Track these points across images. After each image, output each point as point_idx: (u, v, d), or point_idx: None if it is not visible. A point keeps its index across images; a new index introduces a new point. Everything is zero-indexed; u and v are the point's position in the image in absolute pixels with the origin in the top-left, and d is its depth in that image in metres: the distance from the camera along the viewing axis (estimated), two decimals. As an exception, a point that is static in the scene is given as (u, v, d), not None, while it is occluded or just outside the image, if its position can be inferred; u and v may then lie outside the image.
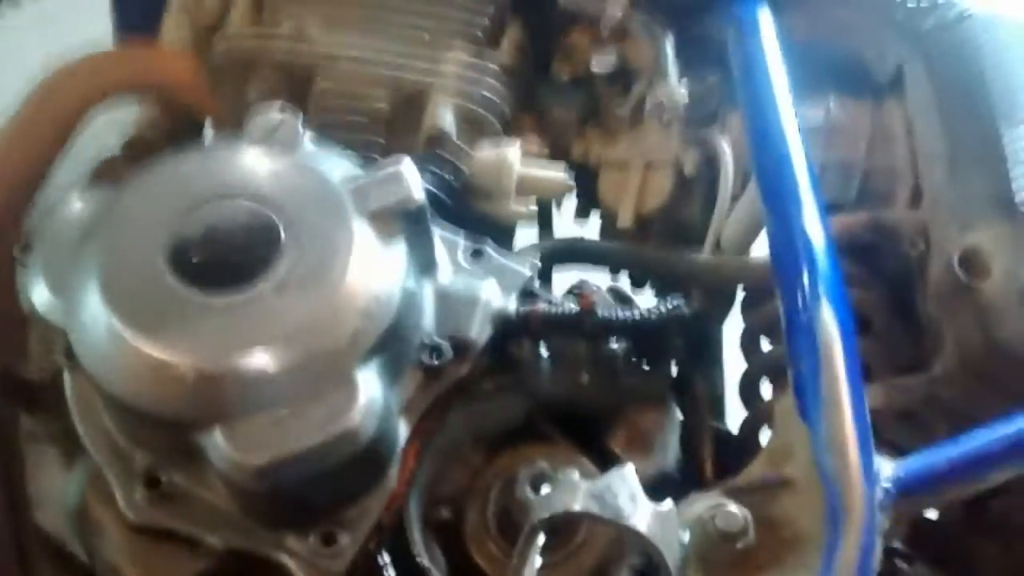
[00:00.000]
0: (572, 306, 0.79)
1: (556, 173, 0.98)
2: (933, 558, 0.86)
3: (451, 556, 0.76)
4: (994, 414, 0.75)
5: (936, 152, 0.91)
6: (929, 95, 0.93)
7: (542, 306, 0.79)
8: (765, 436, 0.88)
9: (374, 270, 0.73)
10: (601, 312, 0.79)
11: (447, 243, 0.82)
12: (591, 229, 1.09)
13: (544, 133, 1.05)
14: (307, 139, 0.79)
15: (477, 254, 0.82)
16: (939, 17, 0.95)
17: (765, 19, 0.96)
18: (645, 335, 0.81)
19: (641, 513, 0.61)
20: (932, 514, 0.89)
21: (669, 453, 0.80)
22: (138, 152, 1.07)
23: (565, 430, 0.80)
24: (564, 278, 0.95)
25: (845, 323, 0.74)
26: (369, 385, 0.70)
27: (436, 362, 0.75)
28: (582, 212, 1.12)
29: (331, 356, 0.69)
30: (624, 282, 1.04)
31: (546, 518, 0.61)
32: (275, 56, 0.99)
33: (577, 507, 0.60)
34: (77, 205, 0.79)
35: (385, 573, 0.71)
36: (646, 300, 0.88)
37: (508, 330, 0.79)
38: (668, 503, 0.64)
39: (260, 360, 0.68)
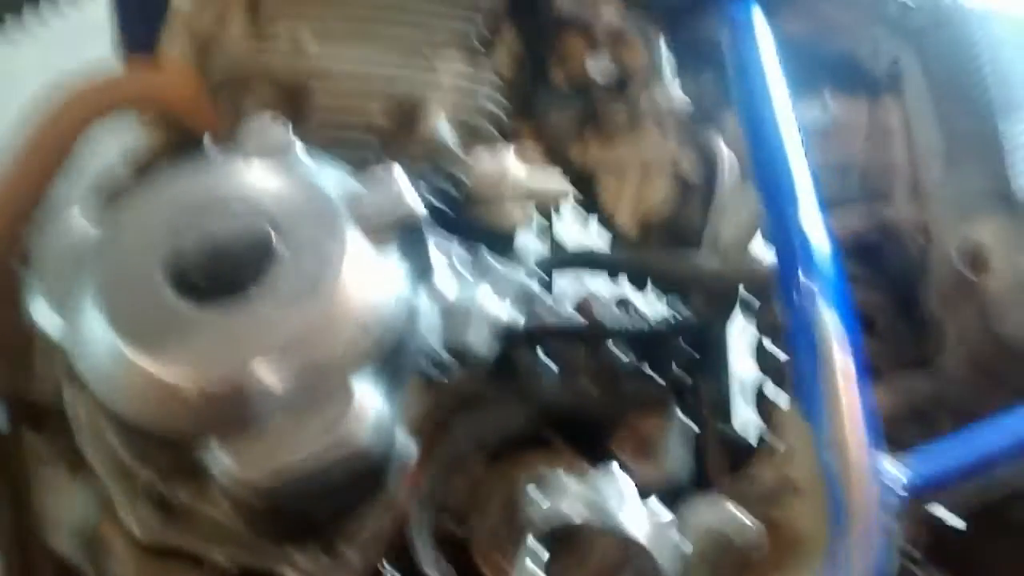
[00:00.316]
0: (573, 312, 0.79)
1: (554, 178, 0.98)
2: (947, 564, 0.85)
3: (457, 567, 0.75)
4: (1000, 409, 0.75)
5: (933, 147, 0.91)
6: (925, 90, 0.93)
7: (542, 312, 0.79)
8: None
9: (369, 280, 0.73)
10: (602, 318, 0.79)
11: (444, 251, 0.82)
12: (591, 234, 1.09)
13: (541, 140, 1.06)
14: (300, 149, 0.79)
15: (475, 261, 0.82)
16: (933, 12, 0.95)
17: (759, 19, 0.96)
18: (647, 341, 0.81)
19: (637, 521, 0.61)
20: (954, 521, 0.89)
21: (674, 458, 0.79)
22: (139, 168, 1.07)
23: (568, 437, 0.80)
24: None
25: (846, 322, 0.74)
26: (367, 395, 0.70)
27: (435, 370, 0.75)
28: (581, 217, 1.12)
29: (327, 367, 0.70)
30: (625, 284, 1.04)
31: (544, 527, 0.61)
32: (272, 70, 1.00)
33: (575, 516, 0.60)
34: (78, 221, 0.79)
35: (391, 584, 0.71)
36: (648, 303, 0.88)
37: (508, 337, 0.79)
38: (665, 511, 0.64)
39: (257, 372, 0.68)
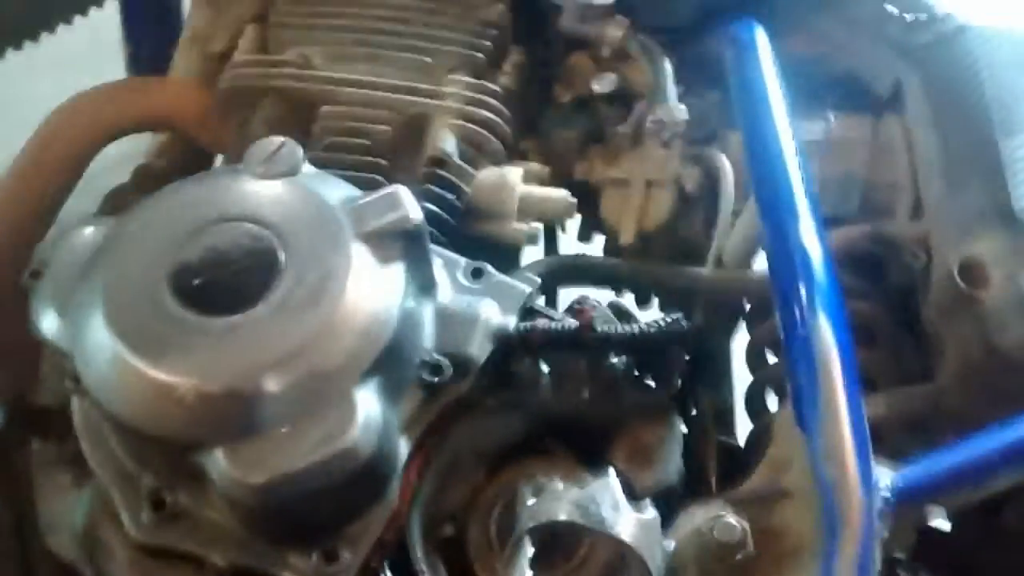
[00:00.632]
0: (571, 322, 0.80)
1: (558, 193, 0.99)
2: (940, 570, 0.85)
3: (454, 572, 0.76)
4: (997, 421, 0.75)
5: (935, 164, 0.92)
6: (927, 109, 0.94)
7: (542, 323, 0.80)
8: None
9: (372, 290, 0.74)
10: (600, 327, 0.79)
11: (447, 262, 0.83)
12: (595, 250, 1.10)
13: (546, 156, 1.07)
14: (305, 163, 0.80)
15: (477, 273, 0.83)
16: (934, 32, 0.96)
17: (761, 38, 0.97)
18: (645, 350, 0.82)
19: (624, 522, 0.62)
20: (943, 526, 0.89)
21: (671, 467, 0.80)
22: (148, 182, 1.09)
23: (567, 445, 0.80)
24: (567, 296, 0.96)
25: (842, 335, 0.75)
26: (368, 404, 0.71)
27: (436, 380, 0.76)
28: (585, 234, 1.13)
29: (329, 376, 0.70)
30: (628, 300, 1.05)
31: (530, 527, 0.61)
32: (280, 84, 1.01)
33: (561, 516, 0.60)
34: (86, 233, 0.81)
35: (388, 589, 0.71)
36: (649, 316, 0.89)
37: (508, 347, 0.79)
38: (652, 512, 0.65)
39: (260, 381, 0.69)
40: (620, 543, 0.61)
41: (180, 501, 0.73)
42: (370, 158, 0.96)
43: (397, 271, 0.76)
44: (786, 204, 0.84)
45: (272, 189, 0.78)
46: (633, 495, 0.67)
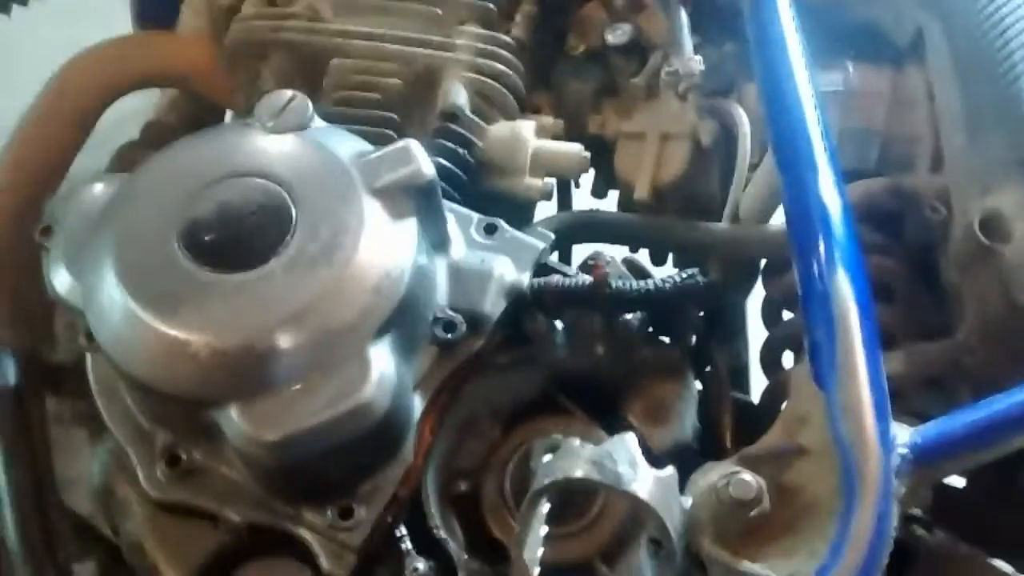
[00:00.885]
0: (586, 278, 0.79)
1: (572, 147, 0.98)
2: (956, 527, 0.85)
3: (469, 528, 0.76)
4: (1018, 379, 0.74)
5: (956, 116, 0.90)
6: (948, 58, 0.92)
7: (556, 279, 0.79)
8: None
9: (385, 246, 0.73)
10: (615, 284, 0.79)
11: (460, 218, 0.82)
12: (610, 207, 1.09)
13: (559, 110, 1.05)
14: (316, 118, 0.79)
15: (490, 229, 0.82)
16: (957, -21, 0.93)
17: (780, -13, 0.94)
18: (660, 306, 0.81)
19: (641, 479, 0.61)
20: (958, 483, 0.89)
21: (686, 424, 0.79)
22: (157, 137, 1.08)
23: (581, 402, 0.80)
24: (581, 252, 0.95)
25: (861, 290, 0.73)
26: (382, 360, 0.70)
27: (450, 336, 0.75)
28: (600, 190, 1.12)
29: (343, 332, 0.70)
30: (643, 256, 1.04)
31: (547, 484, 0.61)
32: (289, 38, 1.00)
33: (578, 473, 0.60)
34: (97, 189, 0.80)
35: (403, 545, 0.71)
36: (664, 272, 0.88)
37: (522, 304, 0.79)
38: (669, 469, 0.64)
39: (273, 337, 0.69)
40: (637, 500, 0.61)
41: (195, 458, 0.73)
42: (381, 112, 0.95)
43: (410, 227, 0.75)
44: (805, 157, 0.82)
45: (283, 144, 0.78)
46: (648, 452, 0.66)
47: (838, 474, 0.67)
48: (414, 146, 0.77)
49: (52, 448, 0.84)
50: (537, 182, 0.97)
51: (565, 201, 1.19)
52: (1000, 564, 0.84)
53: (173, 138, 0.83)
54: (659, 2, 1.03)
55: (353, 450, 0.70)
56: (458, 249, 0.81)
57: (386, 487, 0.72)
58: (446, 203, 0.81)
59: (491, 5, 1.02)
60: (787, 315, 0.98)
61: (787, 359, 0.95)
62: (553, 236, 0.84)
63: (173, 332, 0.70)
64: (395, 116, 0.95)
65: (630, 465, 0.60)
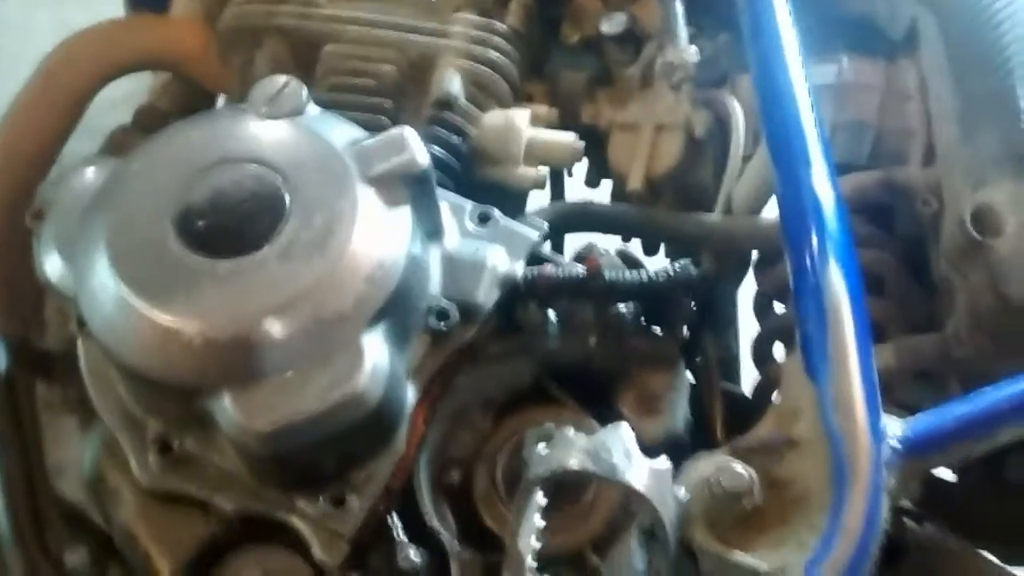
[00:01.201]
0: (579, 269, 0.79)
1: (566, 137, 0.98)
2: (945, 519, 0.85)
3: (461, 518, 0.76)
4: (1007, 372, 0.74)
5: (949, 110, 0.90)
6: (942, 52, 0.92)
7: (549, 269, 0.79)
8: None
9: (379, 235, 0.73)
10: (608, 275, 0.79)
11: (454, 208, 0.82)
12: (603, 196, 1.09)
13: (553, 99, 1.05)
14: (311, 105, 0.79)
15: (484, 218, 0.82)
16: (951, -27, 0.94)
17: (775, -21, 0.94)
18: (653, 297, 0.81)
19: (636, 470, 0.61)
20: (947, 475, 0.89)
21: (678, 415, 0.79)
22: (150, 122, 1.07)
23: (574, 393, 0.80)
24: (574, 243, 0.95)
25: (853, 283, 0.74)
26: (375, 350, 0.70)
27: (443, 326, 0.75)
28: (593, 179, 1.12)
29: (336, 321, 0.70)
30: (636, 247, 1.04)
31: (541, 474, 0.61)
32: (283, 23, 0.99)
33: (572, 463, 0.60)
34: (89, 174, 0.79)
35: (394, 535, 0.72)
36: (657, 264, 0.88)
37: (516, 294, 0.79)
38: (663, 460, 0.64)
39: (265, 326, 0.69)
40: (632, 491, 0.61)
41: (187, 446, 0.73)
42: (375, 99, 0.95)
43: (404, 215, 0.75)
44: (798, 150, 0.82)
45: (277, 130, 0.77)
46: (640, 443, 0.67)
47: (829, 466, 0.67)
48: (409, 134, 0.77)
49: (42, 435, 0.83)
50: (531, 171, 0.97)
51: (558, 190, 1.19)
52: (989, 556, 0.84)
53: (166, 123, 0.82)
54: (655, -8, 1.03)
55: (346, 439, 0.70)
56: (451, 238, 0.80)
57: (379, 476, 0.72)
58: (439, 191, 0.81)
59: (487, -6, 1.01)
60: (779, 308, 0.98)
61: (779, 352, 0.96)
62: (547, 226, 0.84)
63: (166, 319, 0.69)
64: (389, 102, 0.95)
65: (625, 456, 0.61)
